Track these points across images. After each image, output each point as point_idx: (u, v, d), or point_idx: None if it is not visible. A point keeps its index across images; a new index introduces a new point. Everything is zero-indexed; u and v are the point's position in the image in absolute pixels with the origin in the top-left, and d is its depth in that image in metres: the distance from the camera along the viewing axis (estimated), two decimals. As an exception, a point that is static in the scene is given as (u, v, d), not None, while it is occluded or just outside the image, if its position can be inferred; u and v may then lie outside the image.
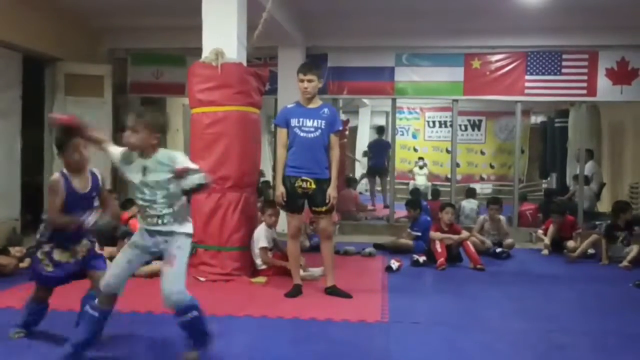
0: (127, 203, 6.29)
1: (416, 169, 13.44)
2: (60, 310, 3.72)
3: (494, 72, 8.25)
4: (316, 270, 5.20)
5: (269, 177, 10.96)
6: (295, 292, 4.61)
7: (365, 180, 12.92)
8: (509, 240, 6.94)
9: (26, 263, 5.46)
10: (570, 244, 6.88)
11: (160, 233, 3.01)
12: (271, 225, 5.40)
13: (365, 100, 14.08)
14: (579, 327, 4.03)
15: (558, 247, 6.95)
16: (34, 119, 7.50)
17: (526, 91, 8.20)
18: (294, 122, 4.58)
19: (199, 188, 2.98)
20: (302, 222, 5.10)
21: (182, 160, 2.96)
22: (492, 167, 13.76)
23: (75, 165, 3.27)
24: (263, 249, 5.28)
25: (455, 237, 6.16)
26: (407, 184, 13.01)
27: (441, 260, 5.90)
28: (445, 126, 13.53)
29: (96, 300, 3.06)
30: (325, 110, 4.65)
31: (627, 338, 3.77)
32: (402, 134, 13.81)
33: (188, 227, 3.09)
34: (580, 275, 5.85)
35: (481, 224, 7.04)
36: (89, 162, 3.34)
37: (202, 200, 5.18)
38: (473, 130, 13.69)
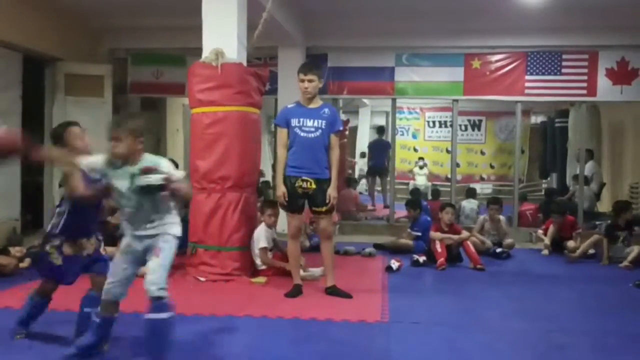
0: None
1: (416, 169, 13.44)
2: (59, 310, 3.72)
3: (494, 72, 8.24)
4: (316, 270, 5.20)
5: (269, 177, 10.96)
6: (295, 292, 4.61)
7: (364, 181, 12.94)
8: (508, 240, 6.94)
9: (26, 263, 5.47)
10: (571, 244, 6.88)
11: (148, 237, 2.99)
12: (271, 225, 5.40)
13: (365, 100, 14.09)
14: (579, 327, 4.03)
15: (558, 247, 6.95)
16: (34, 119, 7.50)
17: (526, 91, 8.20)
18: (294, 122, 4.58)
19: (154, 189, 2.84)
20: (302, 222, 5.10)
21: (166, 166, 2.91)
22: (492, 167, 13.76)
23: (79, 154, 3.23)
24: (263, 249, 5.28)
25: (456, 237, 6.16)
26: (407, 184, 13.02)
27: (441, 260, 5.90)
28: (445, 126, 13.52)
29: (99, 307, 3.06)
30: (326, 110, 4.65)
31: (627, 338, 3.77)
32: (402, 134, 13.81)
33: (176, 230, 3.05)
34: (580, 275, 5.85)
35: (481, 224, 7.04)
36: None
37: (202, 200, 5.19)
38: (473, 130, 13.69)
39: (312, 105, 4.64)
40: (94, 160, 3.00)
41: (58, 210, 3.39)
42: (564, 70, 8.09)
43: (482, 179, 13.84)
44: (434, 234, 6.16)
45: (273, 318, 3.98)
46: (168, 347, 2.92)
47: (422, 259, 6.13)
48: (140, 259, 3.07)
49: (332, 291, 4.63)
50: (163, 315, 2.84)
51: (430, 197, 10.49)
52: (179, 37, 7.54)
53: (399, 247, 6.83)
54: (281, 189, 4.62)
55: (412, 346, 3.51)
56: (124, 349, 3.32)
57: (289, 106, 4.76)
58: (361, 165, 13.66)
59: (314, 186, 4.56)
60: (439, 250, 5.97)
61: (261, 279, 5.12)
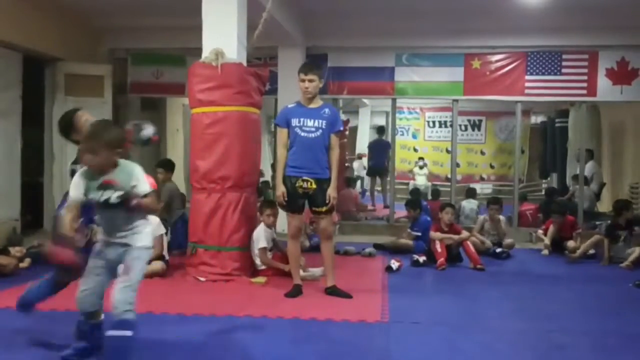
0: None
1: (416, 169, 13.44)
2: (60, 310, 3.72)
3: (494, 72, 8.25)
4: (316, 271, 5.20)
5: (268, 177, 10.96)
6: (295, 292, 4.61)
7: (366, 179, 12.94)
8: (508, 240, 6.94)
9: (26, 263, 5.47)
10: (571, 244, 6.87)
11: (120, 245, 2.93)
12: (270, 226, 5.40)
13: (365, 100, 14.09)
14: (579, 327, 4.03)
15: (558, 247, 6.94)
16: (34, 119, 7.51)
17: (526, 91, 8.20)
18: (295, 122, 4.58)
19: (113, 205, 2.81)
20: (303, 222, 5.10)
21: (138, 176, 2.87)
22: (492, 167, 13.76)
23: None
24: (262, 249, 5.27)
25: (456, 237, 6.16)
26: (407, 184, 13.01)
27: (441, 260, 5.90)
28: (445, 126, 13.53)
29: (82, 317, 3.03)
30: (326, 110, 4.65)
31: (627, 338, 3.77)
32: (402, 134, 13.81)
33: (147, 240, 2.98)
34: (580, 275, 5.85)
35: (481, 224, 7.04)
36: None
37: (202, 200, 5.19)
38: (473, 130, 13.69)
39: (312, 105, 4.64)
40: (76, 184, 2.91)
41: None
42: (564, 70, 8.09)
43: (482, 179, 13.85)
44: (434, 234, 6.15)
45: (273, 318, 3.98)
46: None
47: (422, 259, 6.13)
48: (113, 269, 2.96)
49: (332, 291, 4.63)
50: (127, 333, 2.73)
51: (430, 197, 10.49)
52: (179, 37, 7.54)
53: (399, 247, 6.83)
54: (280, 189, 4.61)
55: (412, 346, 3.50)
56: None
57: (290, 106, 4.76)
58: (356, 167, 13.63)
59: (314, 186, 4.55)
60: (439, 250, 5.97)
61: (261, 279, 5.12)
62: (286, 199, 4.60)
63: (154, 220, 5.43)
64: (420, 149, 14.17)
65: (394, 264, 5.78)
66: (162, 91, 9.06)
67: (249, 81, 5.31)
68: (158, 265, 5.20)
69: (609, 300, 4.86)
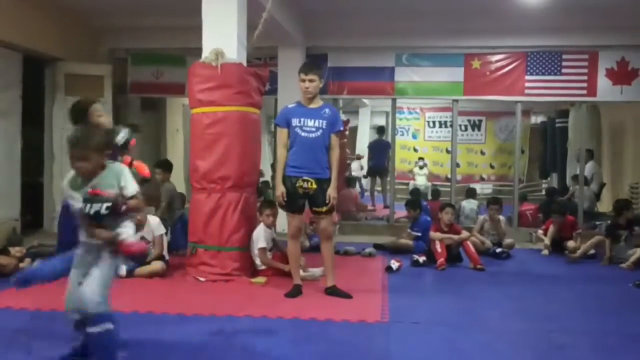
0: None
1: (416, 169, 13.43)
2: (59, 310, 3.72)
3: (494, 72, 8.24)
4: (316, 271, 5.20)
5: (268, 177, 10.96)
6: (295, 292, 4.61)
7: (364, 180, 12.94)
8: (508, 241, 6.94)
9: (26, 263, 5.46)
10: (571, 244, 6.87)
11: (98, 247, 2.91)
12: (269, 226, 5.40)
13: (365, 100, 14.09)
14: (579, 327, 4.03)
15: (558, 247, 6.94)
16: (34, 119, 7.51)
17: (526, 91, 8.20)
18: (295, 122, 4.58)
19: (102, 217, 2.77)
20: (303, 223, 5.10)
21: (127, 174, 2.91)
22: (492, 167, 13.75)
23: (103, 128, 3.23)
24: (262, 249, 5.27)
25: (455, 237, 6.16)
26: (407, 184, 13.00)
27: (441, 260, 5.90)
28: (445, 126, 13.52)
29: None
30: (327, 110, 4.65)
31: (627, 338, 3.77)
32: (402, 134, 13.80)
33: (125, 234, 2.92)
34: (580, 275, 5.85)
35: (481, 224, 7.04)
36: None
37: (202, 200, 5.19)
38: (473, 130, 13.68)
39: (312, 105, 4.64)
40: (70, 195, 2.90)
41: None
42: (564, 71, 8.09)
43: (482, 179, 13.84)
44: (433, 234, 6.15)
45: (273, 318, 3.97)
46: (115, 356, 2.84)
47: (422, 259, 6.12)
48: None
49: (332, 291, 4.63)
50: (100, 329, 2.75)
51: (430, 197, 10.49)
52: (179, 37, 7.54)
53: (399, 247, 6.83)
54: (280, 189, 4.61)
55: (412, 346, 3.50)
56: (124, 349, 3.31)
57: (290, 106, 4.76)
58: (354, 167, 13.61)
59: (314, 186, 4.55)
60: (439, 250, 5.97)
61: (261, 279, 5.12)
62: (286, 199, 4.60)
63: (153, 220, 5.47)
64: (420, 149, 14.16)
65: (394, 264, 5.78)
66: (162, 91, 9.06)
67: (249, 81, 5.31)
68: (158, 265, 5.20)
69: (609, 300, 4.85)
